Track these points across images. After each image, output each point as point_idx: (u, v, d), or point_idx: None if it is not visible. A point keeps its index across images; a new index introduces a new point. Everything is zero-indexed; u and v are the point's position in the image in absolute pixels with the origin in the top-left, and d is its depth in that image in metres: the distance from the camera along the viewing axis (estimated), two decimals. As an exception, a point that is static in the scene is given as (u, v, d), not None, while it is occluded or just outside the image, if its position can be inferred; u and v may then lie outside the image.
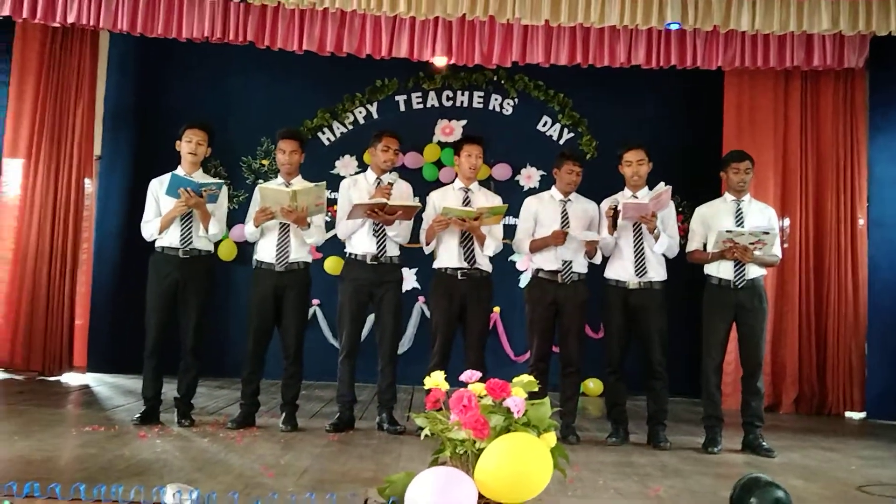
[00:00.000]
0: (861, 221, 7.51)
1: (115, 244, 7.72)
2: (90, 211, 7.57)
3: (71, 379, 7.03)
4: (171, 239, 4.94)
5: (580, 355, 5.20)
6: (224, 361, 7.25)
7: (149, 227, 5.01)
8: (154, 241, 5.03)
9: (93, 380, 7.06)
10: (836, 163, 7.56)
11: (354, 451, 4.41)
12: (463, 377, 2.73)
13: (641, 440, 5.18)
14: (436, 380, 2.67)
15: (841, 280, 7.49)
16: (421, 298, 7.79)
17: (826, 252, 7.54)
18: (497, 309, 7.70)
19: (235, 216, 7.71)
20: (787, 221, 7.57)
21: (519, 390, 2.64)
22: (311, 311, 7.63)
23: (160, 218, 4.93)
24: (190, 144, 4.97)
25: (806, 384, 7.45)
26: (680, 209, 7.94)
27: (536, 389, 2.73)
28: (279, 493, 3.26)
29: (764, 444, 4.97)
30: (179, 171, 5.02)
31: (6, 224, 7.23)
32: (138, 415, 4.91)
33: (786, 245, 7.46)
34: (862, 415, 7.28)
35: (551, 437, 2.56)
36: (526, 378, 2.73)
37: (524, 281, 5.15)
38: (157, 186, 5.01)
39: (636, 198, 5.14)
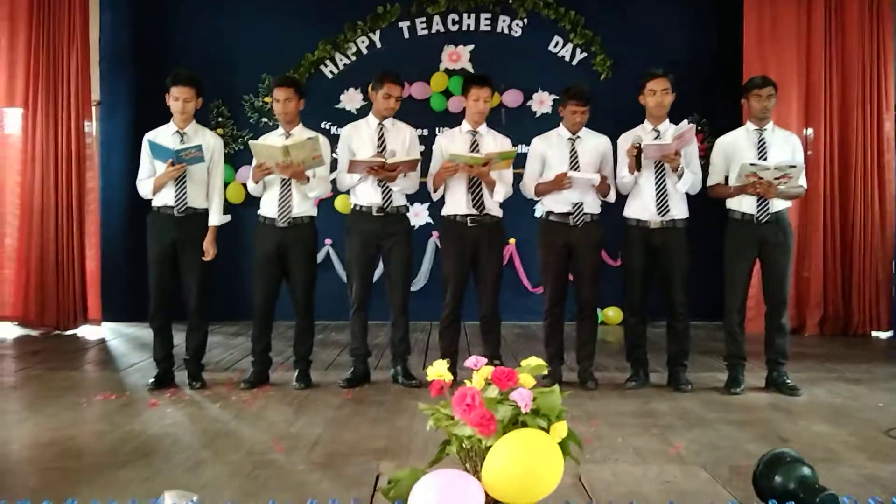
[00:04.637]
0: (889, 134, 7.21)
1: (122, 191, 7.57)
2: (92, 160, 7.41)
3: (87, 332, 7.02)
4: (165, 199, 4.76)
5: (596, 299, 5.05)
6: (237, 305, 7.17)
7: (143, 187, 4.85)
8: (150, 200, 4.87)
9: (109, 331, 7.05)
10: (861, 74, 7.25)
11: (368, 411, 4.32)
12: (468, 363, 2.59)
13: (661, 380, 5.06)
14: (438, 370, 2.54)
15: (867, 196, 7.27)
16: (434, 234, 7.64)
17: (851, 168, 7.30)
18: (512, 241, 7.55)
19: (241, 157, 7.55)
20: (810, 131, 7.28)
21: (526, 377, 2.50)
22: (324, 251, 7.54)
23: (154, 178, 4.77)
24: (177, 103, 4.74)
25: (831, 305, 7.31)
26: (699, 128, 7.68)
27: (545, 373, 2.60)
28: (288, 470, 3.20)
29: (788, 381, 4.84)
30: (162, 131, 4.82)
31: (10, 179, 7.14)
32: (152, 379, 4.85)
33: (810, 153, 7.16)
34: (889, 334, 7.16)
35: (562, 427, 2.43)
36: (534, 361, 2.59)
37: (540, 210, 4.99)
38: (152, 138, 4.81)
39: (657, 131, 4.89)
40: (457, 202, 4.94)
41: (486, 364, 2.56)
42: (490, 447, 2.34)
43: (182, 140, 4.78)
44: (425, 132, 7.64)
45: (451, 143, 5.00)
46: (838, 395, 4.78)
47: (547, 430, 2.41)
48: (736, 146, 4.90)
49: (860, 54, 7.19)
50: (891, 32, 7.11)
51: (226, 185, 7.47)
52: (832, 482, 3.00)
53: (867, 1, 7.14)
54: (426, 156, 5.15)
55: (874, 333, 7.23)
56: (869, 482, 3.16)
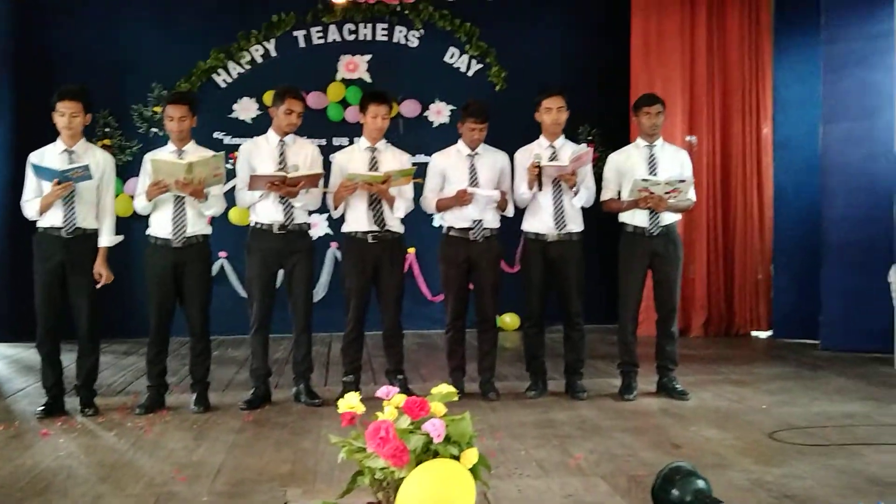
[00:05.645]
0: (767, 140, 7.64)
1: (1, 206, 7.21)
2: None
3: (-33, 355, 6.66)
4: (52, 219, 4.55)
5: (496, 311, 5.18)
6: (127, 323, 6.99)
7: (29, 208, 4.60)
8: (36, 221, 4.64)
9: (-9, 353, 6.71)
10: (742, 86, 7.66)
11: (271, 434, 4.26)
12: (379, 393, 2.60)
13: (559, 387, 5.20)
14: (350, 402, 2.54)
15: (747, 200, 7.69)
16: (333, 244, 7.61)
17: (732, 174, 7.69)
18: (412, 250, 7.59)
19: (130, 169, 7.29)
20: (694, 139, 7.61)
21: (438, 405, 2.54)
22: (218, 264, 7.37)
23: (40, 198, 4.55)
24: (63, 119, 4.54)
25: (714, 308, 7.66)
26: (591, 138, 7.92)
27: (456, 399, 2.64)
28: (192, 501, 3.13)
29: (678, 386, 5.06)
30: (49, 150, 4.61)
31: None
32: (41, 407, 4.64)
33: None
34: (768, 333, 7.56)
35: (473, 454, 2.48)
36: (444, 389, 2.63)
37: (438, 219, 5.10)
38: (37, 161, 4.60)
39: (553, 147, 5.04)
40: (358, 219, 4.94)
41: (391, 381, 2.57)
42: (403, 478, 2.37)
43: (70, 159, 4.59)
44: (322, 142, 7.58)
45: (349, 160, 4.99)
46: (724, 399, 5.02)
47: (458, 458, 2.45)
48: (627, 162, 5.09)
49: (741, 65, 7.62)
50: (769, 43, 7.59)
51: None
52: (723, 489, 3.17)
53: (747, 15, 7.57)
54: (326, 169, 5.12)
55: (754, 333, 7.64)
56: (756, 487, 3.34)
